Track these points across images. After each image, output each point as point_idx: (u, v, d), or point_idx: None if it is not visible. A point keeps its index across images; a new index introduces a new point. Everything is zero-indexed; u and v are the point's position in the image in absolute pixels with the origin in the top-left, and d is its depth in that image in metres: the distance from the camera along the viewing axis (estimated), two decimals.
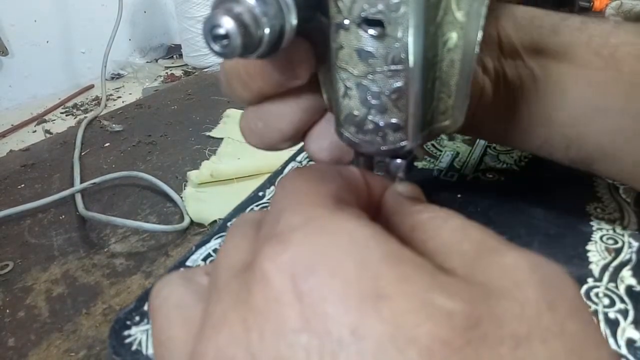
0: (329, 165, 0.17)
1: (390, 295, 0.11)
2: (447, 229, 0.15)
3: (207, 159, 0.61)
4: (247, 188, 0.39)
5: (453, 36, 0.18)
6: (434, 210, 0.17)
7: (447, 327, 0.11)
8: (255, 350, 0.12)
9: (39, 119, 0.90)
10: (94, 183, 0.57)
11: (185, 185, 0.56)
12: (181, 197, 0.53)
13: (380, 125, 0.19)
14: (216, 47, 0.15)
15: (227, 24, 0.15)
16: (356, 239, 0.13)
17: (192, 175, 0.56)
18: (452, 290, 0.12)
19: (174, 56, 1.23)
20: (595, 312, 0.23)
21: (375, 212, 0.19)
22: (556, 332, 0.11)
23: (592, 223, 0.29)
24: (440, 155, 0.38)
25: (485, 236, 0.14)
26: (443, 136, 0.40)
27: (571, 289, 0.13)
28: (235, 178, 0.56)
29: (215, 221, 0.48)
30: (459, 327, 0.11)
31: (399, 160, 0.20)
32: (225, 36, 0.15)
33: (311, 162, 0.40)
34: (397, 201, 0.18)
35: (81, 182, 0.58)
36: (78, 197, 0.54)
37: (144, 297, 0.27)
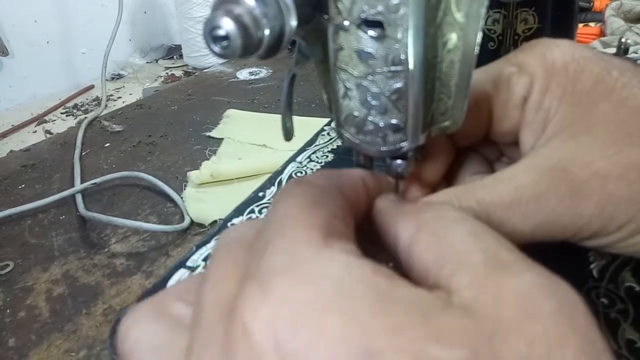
0: (330, 176, 0.17)
1: (381, 352, 0.10)
2: (457, 232, 0.14)
3: (208, 159, 0.61)
4: (248, 188, 0.39)
5: (453, 37, 0.18)
6: (439, 209, 0.16)
7: None
8: None
9: (39, 119, 0.90)
10: (95, 183, 0.57)
11: (185, 186, 0.56)
12: (181, 197, 0.53)
13: (381, 126, 0.19)
14: (216, 48, 0.15)
15: (227, 25, 0.15)
16: (342, 287, 0.12)
17: (193, 175, 0.56)
18: (450, 335, 0.11)
19: (174, 56, 1.23)
20: (596, 313, 0.23)
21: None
22: None
23: None
24: None
25: (499, 247, 0.14)
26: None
27: (584, 319, 0.12)
28: (236, 178, 0.56)
29: (215, 221, 0.48)
30: None
31: (399, 161, 0.20)
32: (225, 37, 0.15)
33: (311, 163, 0.40)
34: (395, 205, 0.18)
35: (81, 183, 0.58)
36: (78, 197, 0.54)
37: (145, 297, 0.27)
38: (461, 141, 0.23)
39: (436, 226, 0.15)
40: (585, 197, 0.18)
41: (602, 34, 0.89)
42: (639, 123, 0.18)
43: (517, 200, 0.18)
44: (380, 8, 0.16)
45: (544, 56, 0.21)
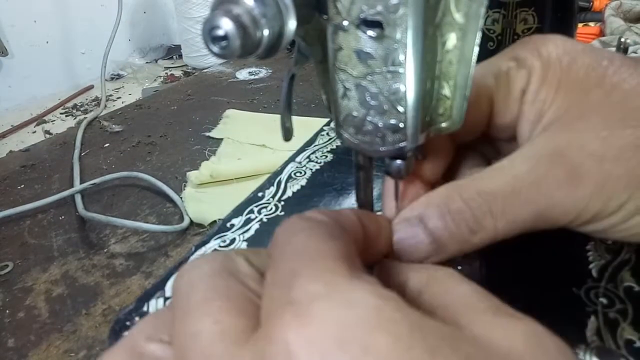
0: (328, 215, 0.17)
1: None
2: (464, 287, 0.16)
3: (207, 160, 0.61)
4: (247, 188, 0.39)
5: (452, 37, 0.18)
6: (447, 269, 0.17)
7: None
8: None
9: (39, 119, 0.90)
10: (94, 183, 0.57)
11: (185, 186, 0.56)
12: (181, 198, 0.53)
13: (379, 126, 0.19)
14: (215, 49, 0.15)
15: (226, 26, 0.15)
16: (382, 311, 0.12)
17: (192, 175, 0.56)
18: (474, 356, 0.12)
19: (174, 57, 1.23)
20: (595, 313, 0.23)
21: (374, 253, 0.19)
22: None
23: None
24: None
25: (501, 303, 0.15)
26: None
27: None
28: (235, 178, 0.56)
29: (215, 221, 0.48)
30: None
31: (398, 161, 0.20)
32: (224, 37, 0.15)
33: (311, 163, 0.40)
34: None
35: (81, 183, 0.58)
36: (78, 198, 0.54)
37: (144, 297, 0.27)
38: (462, 137, 0.23)
39: (446, 281, 0.16)
40: (584, 178, 0.18)
41: (602, 33, 0.89)
42: (631, 106, 0.19)
43: (517, 188, 0.19)
44: (379, 8, 0.16)
45: (539, 50, 0.21)
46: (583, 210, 0.18)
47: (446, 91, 0.19)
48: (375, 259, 0.19)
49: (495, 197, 0.19)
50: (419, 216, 0.19)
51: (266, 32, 0.16)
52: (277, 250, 0.15)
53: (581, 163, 0.18)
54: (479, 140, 0.24)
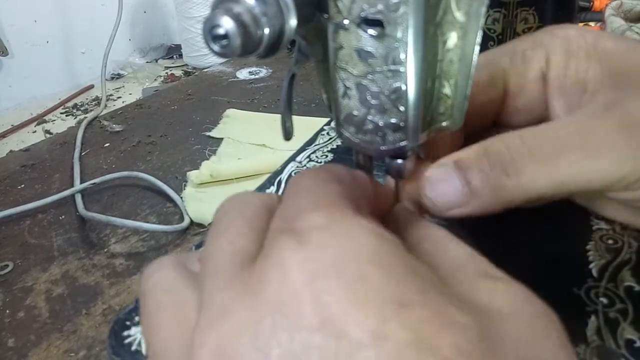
0: (343, 168, 0.17)
1: (412, 304, 0.12)
2: (456, 249, 0.16)
3: (207, 159, 0.61)
4: (247, 188, 0.39)
5: (453, 36, 0.18)
6: (445, 231, 0.17)
7: (464, 339, 0.11)
8: (263, 344, 0.11)
9: (39, 119, 0.90)
10: (94, 183, 0.57)
11: (185, 186, 0.56)
12: (181, 197, 0.53)
13: (380, 125, 0.19)
14: (216, 47, 0.15)
15: (226, 24, 0.15)
16: (380, 247, 0.13)
17: (192, 175, 0.56)
18: (463, 306, 0.12)
19: (174, 56, 1.23)
20: (595, 312, 0.23)
21: (381, 220, 0.19)
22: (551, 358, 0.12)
23: (591, 223, 0.29)
24: None
25: (491, 266, 0.15)
26: None
27: (559, 325, 0.14)
28: (235, 178, 0.56)
29: None
30: (474, 340, 0.11)
31: (399, 161, 0.20)
32: (225, 36, 0.15)
33: (311, 163, 0.40)
34: (410, 213, 0.19)
35: (81, 183, 0.58)
36: (78, 198, 0.54)
37: None
38: (474, 124, 0.22)
39: (439, 240, 0.16)
40: None
41: None
42: None
43: (563, 135, 0.18)
44: (380, 7, 0.16)
45: (554, 33, 0.21)
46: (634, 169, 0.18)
47: (447, 90, 0.19)
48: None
49: (538, 139, 0.18)
50: (456, 161, 0.19)
51: (267, 31, 0.16)
52: (287, 191, 0.16)
53: None
54: (488, 131, 0.23)
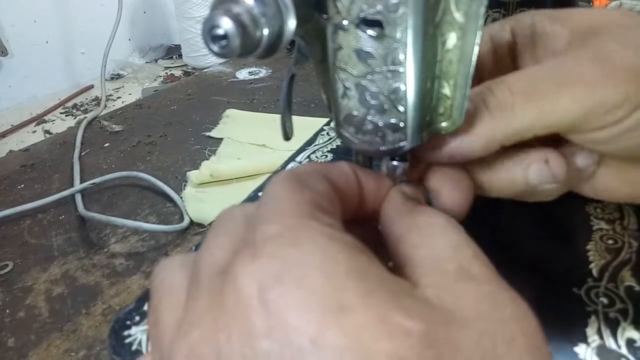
0: (315, 167, 0.18)
1: (352, 308, 0.12)
2: (440, 242, 0.16)
3: (207, 159, 0.61)
4: (247, 188, 0.39)
5: (452, 37, 0.18)
6: (433, 215, 0.17)
7: (403, 345, 0.11)
8: (222, 352, 0.12)
9: (39, 119, 0.90)
10: (94, 183, 0.57)
11: (185, 186, 0.56)
12: (181, 197, 0.53)
13: (379, 125, 0.19)
14: (215, 48, 0.15)
15: (225, 25, 0.15)
16: (326, 252, 0.13)
17: (192, 175, 0.56)
18: (412, 311, 0.12)
19: (174, 56, 1.23)
20: (595, 312, 0.23)
21: (372, 208, 0.19)
22: None
23: (591, 223, 0.29)
24: None
25: (474, 260, 0.15)
26: None
27: (534, 328, 0.13)
28: (235, 178, 0.56)
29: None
30: (415, 346, 0.11)
31: (396, 162, 0.20)
32: (224, 37, 0.15)
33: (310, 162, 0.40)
34: (399, 199, 0.19)
35: (81, 182, 0.58)
36: (78, 197, 0.54)
37: (144, 297, 0.27)
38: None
39: (425, 231, 0.16)
40: (617, 70, 0.18)
41: None
42: None
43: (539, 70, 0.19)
44: (379, 7, 0.16)
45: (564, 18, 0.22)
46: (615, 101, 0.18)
47: (446, 90, 0.19)
48: (371, 213, 0.19)
49: (519, 78, 0.19)
50: None
51: (266, 32, 0.16)
52: (261, 198, 0.16)
53: (617, 56, 0.18)
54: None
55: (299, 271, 0.12)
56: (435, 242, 0.16)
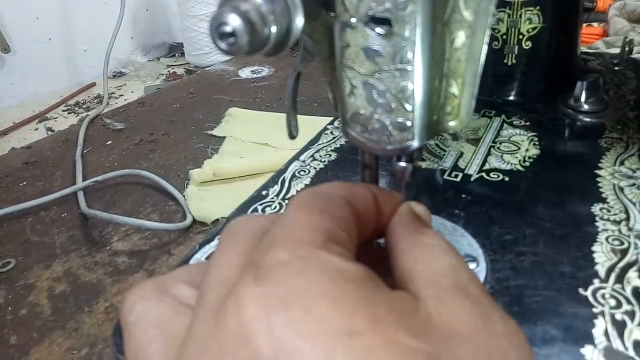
0: (341, 191, 0.17)
1: (362, 332, 0.12)
2: (441, 261, 0.16)
3: (210, 158, 0.61)
4: (250, 187, 0.39)
5: (461, 35, 0.17)
6: (437, 239, 0.18)
7: None
8: None
9: (41, 117, 0.90)
10: (96, 181, 0.57)
11: (187, 184, 0.56)
12: (184, 196, 0.53)
13: (387, 124, 0.18)
14: (223, 45, 0.15)
15: (234, 22, 0.15)
16: (335, 282, 0.13)
17: (195, 174, 0.56)
18: (417, 331, 0.13)
19: (176, 55, 1.23)
20: (602, 314, 0.23)
21: (383, 228, 0.19)
22: None
23: (597, 224, 0.29)
24: (444, 155, 0.38)
25: (470, 282, 0.16)
26: (447, 136, 0.40)
27: (523, 342, 0.14)
28: (238, 177, 0.55)
29: (218, 220, 0.48)
30: None
31: (403, 164, 0.20)
32: (232, 34, 0.15)
33: (315, 162, 0.40)
34: (409, 217, 0.19)
35: (83, 181, 0.58)
36: (80, 195, 0.54)
37: None
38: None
39: (427, 250, 0.17)
40: None
41: (606, 34, 0.89)
42: None
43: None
44: (388, 5, 0.16)
45: None
46: None
47: (454, 89, 0.19)
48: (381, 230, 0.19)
49: None
50: None
51: (274, 29, 0.16)
52: (282, 217, 0.16)
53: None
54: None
55: (306, 298, 0.13)
56: (436, 261, 0.16)
